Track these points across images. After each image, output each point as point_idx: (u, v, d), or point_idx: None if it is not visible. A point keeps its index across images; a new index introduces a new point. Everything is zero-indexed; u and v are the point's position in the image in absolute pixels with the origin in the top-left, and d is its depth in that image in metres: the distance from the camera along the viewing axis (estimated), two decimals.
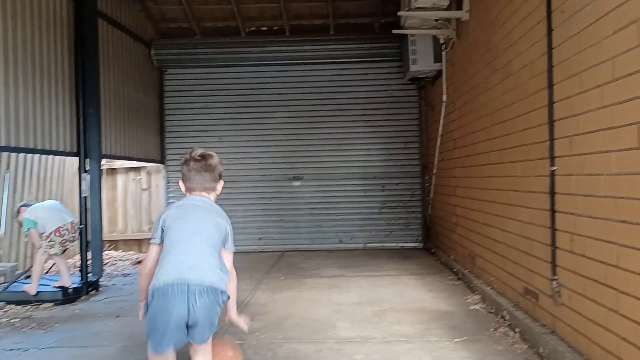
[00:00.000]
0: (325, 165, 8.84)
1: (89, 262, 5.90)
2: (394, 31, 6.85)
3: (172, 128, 8.98)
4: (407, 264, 7.10)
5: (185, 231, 2.50)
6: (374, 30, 8.68)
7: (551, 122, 3.45)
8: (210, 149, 2.77)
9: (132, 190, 9.13)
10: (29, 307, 5.15)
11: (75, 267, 6.55)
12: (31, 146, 5.25)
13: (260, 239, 8.84)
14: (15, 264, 6.50)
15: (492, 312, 4.51)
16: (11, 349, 3.92)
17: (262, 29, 8.80)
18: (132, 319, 4.53)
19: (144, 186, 9.11)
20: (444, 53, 6.69)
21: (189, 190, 2.68)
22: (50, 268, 6.26)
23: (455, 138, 6.32)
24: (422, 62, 7.21)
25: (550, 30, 3.45)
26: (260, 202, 8.87)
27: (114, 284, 6.29)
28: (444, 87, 6.65)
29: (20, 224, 5.53)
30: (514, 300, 4.22)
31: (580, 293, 3.08)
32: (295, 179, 8.87)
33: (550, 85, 3.46)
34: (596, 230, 2.90)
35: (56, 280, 5.52)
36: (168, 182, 8.89)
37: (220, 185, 2.73)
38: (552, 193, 3.46)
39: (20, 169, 7.07)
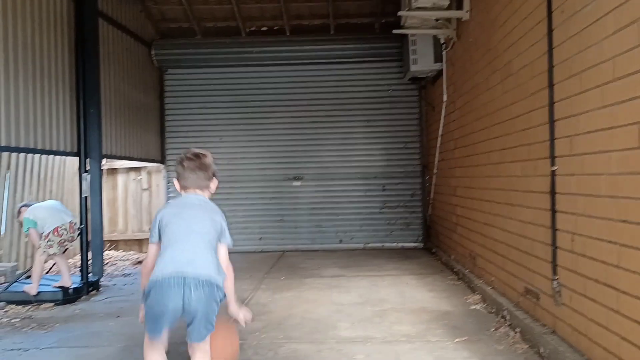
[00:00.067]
0: (325, 165, 8.84)
1: (90, 262, 5.90)
2: (395, 31, 6.85)
3: (172, 128, 8.98)
4: (407, 264, 7.10)
5: (181, 229, 2.55)
6: (375, 30, 8.67)
7: (552, 122, 3.45)
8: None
9: (132, 190, 9.13)
10: (30, 307, 5.15)
11: (75, 267, 6.55)
12: (31, 146, 5.25)
13: (260, 239, 8.84)
14: (15, 264, 6.51)
15: (492, 312, 4.51)
16: (11, 349, 3.92)
17: (262, 29, 8.80)
18: (132, 319, 4.53)
19: (145, 186, 9.11)
20: (444, 53, 6.69)
21: (184, 188, 2.73)
22: (50, 268, 6.26)
23: (456, 138, 6.32)
24: (422, 62, 7.21)
25: (550, 30, 3.45)
26: (261, 202, 8.87)
27: (114, 284, 6.29)
28: (444, 87, 6.65)
29: (21, 224, 5.53)
30: (515, 300, 4.22)
31: (581, 293, 3.08)
32: (296, 179, 8.87)
33: (551, 85, 3.45)
34: (597, 230, 2.90)
35: (56, 280, 5.53)
36: (168, 182, 8.89)
37: (214, 183, 2.79)
38: (553, 193, 3.46)
39: (21, 169, 7.07)
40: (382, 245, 8.68)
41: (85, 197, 5.85)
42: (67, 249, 5.63)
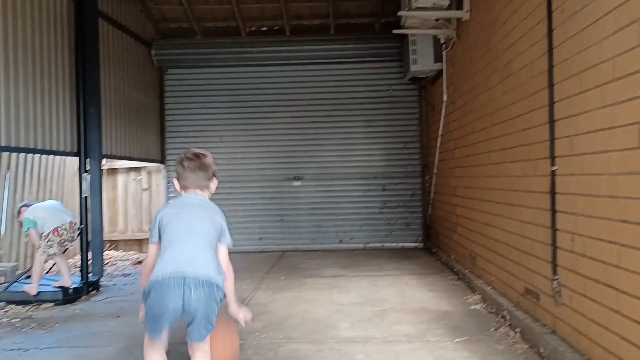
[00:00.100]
0: (325, 165, 8.84)
1: (90, 262, 5.90)
2: (395, 31, 6.85)
3: (172, 128, 8.98)
4: (407, 264, 7.10)
5: (181, 229, 2.55)
6: (375, 30, 8.67)
7: (552, 122, 3.45)
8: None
9: (132, 190, 9.13)
10: (30, 307, 5.15)
11: (75, 267, 6.55)
12: (31, 146, 5.25)
13: (260, 239, 8.84)
14: (15, 264, 6.51)
15: (492, 312, 4.51)
16: (12, 349, 3.92)
17: (262, 29, 8.80)
18: (132, 319, 4.53)
19: (145, 186, 9.11)
20: (444, 53, 6.69)
21: (184, 188, 2.74)
22: (50, 268, 6.26)
23: (456, 138, 6.32)
24: (422, 62, 7.21)
25: (550, 30, 3.45)
26: (261, 202, 8.87)
27: (114, 284, 6.29)
28: (444, 87, 6.65)
29: (21, 224, 5.53)
30: (515, 300, 4.22)
31: (581, 293, 3.08)
32: (296, 179, 8.87)
33: (551, 85, 3.45)
34: (597, 230, 2.90)
35: (56, 280, 5.53)
36: (168, 182, 8.89)
37: (214, 183, 2.79)
38: (553, 193, 3.46)
39: (21, 169, 7.07)
40: (382, 245, 8.68)
41: (85, 197, 5.85)
42: (67, 249, 5.63)
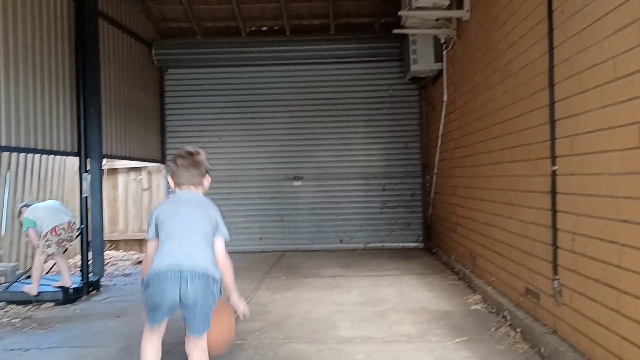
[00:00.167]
0: (325, 165, 8.84)
1: (90, 262, 5.90)
2: (395, 31, 6.85)
3: (172, 128, 8.98)
4: (407, 264, 7.09)
5: (178, 224, 2.62)
6: (375, 30, 8.67)
7: (552, 122, 3.45)
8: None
9: (133, 190, 9.13)
10: (30, 307, 5.15)
11: (76, 267, 6.55)
12: (32, 146, 5.25)
13: (260, 238, 8.83)
14: (15, 264, 6.51)
15: (493, 312, 4.51)
16: (12, 349, 3.92)
17: (262, 29, 8.80)
18: (133, 319, 4.54)
19: (145, 186, 9.11)
20: (444, 53, 6.68)
21: (178, 185, 2.82)
22: (50, 268, 6.26)
23: (456, 138, 6.31)
24: (422, 62, 7.21)
25: (551, 30, 3.45)
26: (261, 202, 8.87)
27: (114, 284, 6.29)
28: (445, 86, 6.65)
29: (22, 224, 5.53)
30: (515, 300, 4.21)
31: (582, 293, 3.08)
32: (296, 178, 8.87)
33: (551, 84, 3.45)
34: (597, 230, 2.90)
35: (57, 280, 5.53)
36: (168, 182, 8.88)
37: (207, 180, 2.86)
38: (553, 193, 3.45)
39: (21, 169, 7.07)
40: (382, 245, 8.68)
41: (86, 197, 5.85)
42: (66, 248, 5.63)
